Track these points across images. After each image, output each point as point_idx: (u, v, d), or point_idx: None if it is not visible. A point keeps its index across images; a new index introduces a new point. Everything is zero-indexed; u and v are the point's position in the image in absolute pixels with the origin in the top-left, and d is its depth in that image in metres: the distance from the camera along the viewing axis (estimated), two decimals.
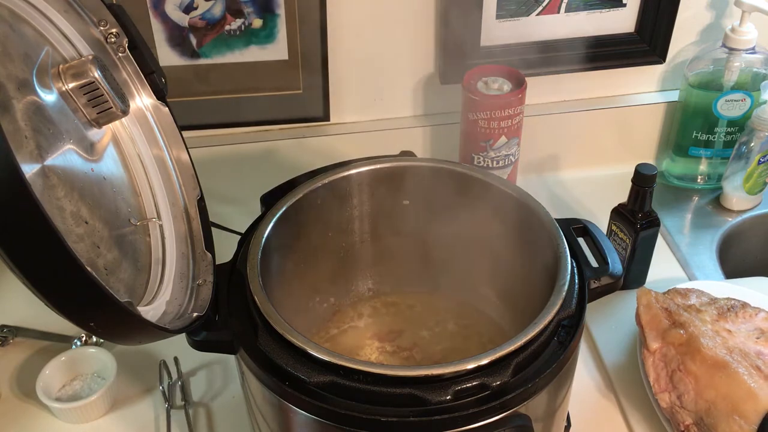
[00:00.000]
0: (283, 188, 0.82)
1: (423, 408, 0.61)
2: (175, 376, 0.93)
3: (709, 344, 0.82)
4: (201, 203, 0.80)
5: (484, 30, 1.10)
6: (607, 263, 0.76)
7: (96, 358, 0.92)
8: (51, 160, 0.61)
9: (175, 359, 0.94)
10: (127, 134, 0.76)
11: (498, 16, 1.10)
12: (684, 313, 0.87)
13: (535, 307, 0.68)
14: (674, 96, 1.20)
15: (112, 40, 0.73)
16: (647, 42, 1.15)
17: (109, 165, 0.72)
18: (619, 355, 0.94)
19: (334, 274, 0.89)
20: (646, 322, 0.88)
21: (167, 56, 1.05)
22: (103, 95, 0.68)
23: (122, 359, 0.91)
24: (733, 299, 0.91)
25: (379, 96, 1.15)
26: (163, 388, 0.90)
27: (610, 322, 0.98)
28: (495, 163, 1.06)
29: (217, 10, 1.03)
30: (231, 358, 0.71)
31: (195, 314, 0.70)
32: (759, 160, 1.11)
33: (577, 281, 0.72)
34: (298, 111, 1.12)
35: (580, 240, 0.79)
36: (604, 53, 1.15)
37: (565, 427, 0.83)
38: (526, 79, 1.04)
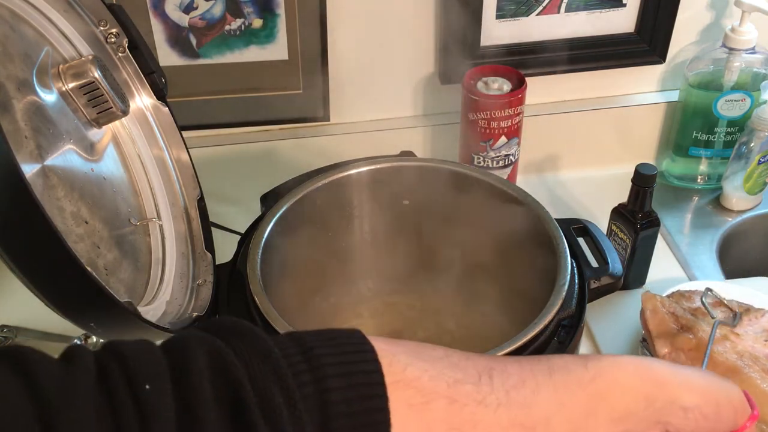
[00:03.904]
0: (283, 188, 0.82)
1: None
2: None
3: (719, 349, 0.81)
4: (201, 203, 0.80)
5: (484, 30, 1.10)
6: (607, 263, 0.76)
7: None
8: (51, 160, 0.60)
9: None
10: (127, 134, 0.76)
11: (498, 16, 1.10)
12: (691, 317, 0.86)
13: (535, 307, 0.68)
14: (674, 96, 1.20)
15: (112, 40, 0.73)
16: (647, 42, 1.15)
17: (109, 165, 0.72)
18: None
19: (334, 274, 0.89)
20: (654, 327, 0.87)
21: (167, 56, 1.05)
22: (103, 95, 0.68)
23: None
24: (736, 301, 0.90)
25: (379, 96, 1.15)
26: None
27: (610, 322, 0.98)
28: (495, 163, 1.06)
29: (217, 10, 1.03)
30: None
31: (195, 314, 0.70)
32: (759, 160, 1.10)
33: (577, 281, 0.72)
34: (298, 111, 1.12)
35: (580, 240, 0.79)
36: (604, 53, 1.15)
37: None
38: (526, 79, 1.04)
